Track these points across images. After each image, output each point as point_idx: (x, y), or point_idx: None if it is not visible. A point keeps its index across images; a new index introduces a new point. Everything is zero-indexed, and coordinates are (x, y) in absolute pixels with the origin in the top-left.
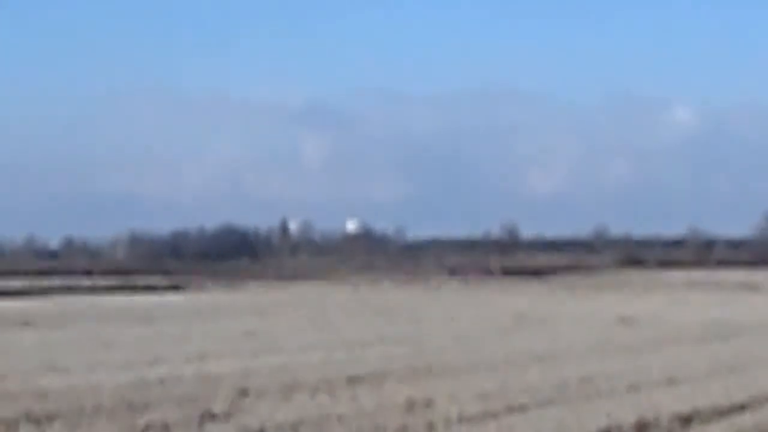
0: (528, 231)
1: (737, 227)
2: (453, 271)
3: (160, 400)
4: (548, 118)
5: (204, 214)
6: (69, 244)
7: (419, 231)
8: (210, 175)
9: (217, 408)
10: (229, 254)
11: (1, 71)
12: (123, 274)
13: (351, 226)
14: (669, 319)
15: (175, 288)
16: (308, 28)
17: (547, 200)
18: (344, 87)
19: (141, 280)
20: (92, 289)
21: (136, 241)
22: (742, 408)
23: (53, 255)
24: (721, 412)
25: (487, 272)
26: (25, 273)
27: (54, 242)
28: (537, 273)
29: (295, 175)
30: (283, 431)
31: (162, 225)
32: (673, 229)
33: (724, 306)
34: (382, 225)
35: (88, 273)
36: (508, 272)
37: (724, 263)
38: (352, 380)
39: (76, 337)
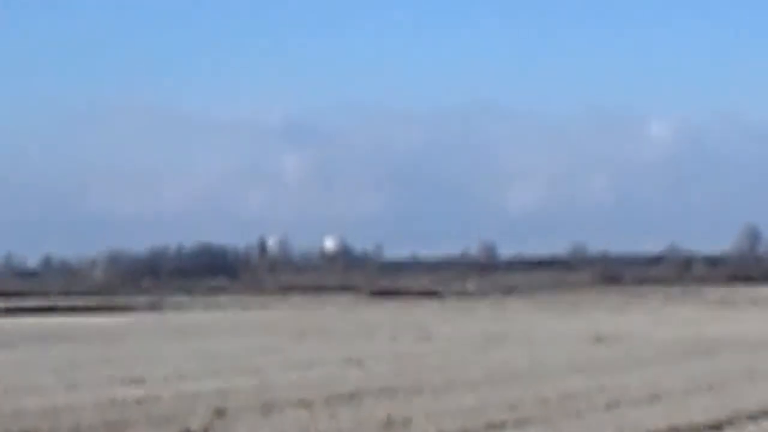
0: (506, 249)
1: (716, 244)
2: (431, 290)
3: (138, 420)
4: (528, 134)
5: (182, 232)
6: (47, 263)
7: (397, 249)
8: (189, 194)
9: (195, 427)
10: (207, 272)
11: None
12: (101, 294)
13: (329, 244)
14: (648, 337)
15: (153, 307)
16: (288, 46)
17: (526, 217)
18: (323, 104)
19: (119, 300)
20: (70, 309)
21: (114, 260)
22: (720, 425)
23: (32, 274)
24: (699, 429)
25: (465, 292)
26: (3, 293)
27: (32, 261)
28: (515, 291)
29: (273, 193)
30: None
31: (141, 243)
32: (652, 246)
33: (703, 323)
34: (361, 243)
35: (66, 293)
36: (486, 291)
37: (702, 280)
38: (331, 399)
39: (54, 358)
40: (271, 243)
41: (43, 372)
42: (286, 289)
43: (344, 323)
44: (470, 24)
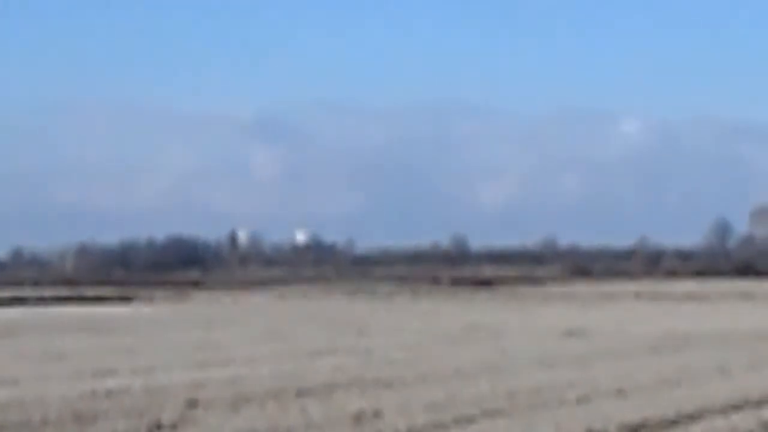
0: (477, 242)
1: (686, 238)
2: (401, 282)
3: (109, 412)
4: (498, 130)
5: (153, 225)
6: (17, 255)
7: (369, 243)
8: (159, 187)
9: (166, 420)
10: (178, 265)
11: None
12: (71, 285)
13: (300, 237)
14: (618, 331)
15: (123, 299)
16: (260, 40)
17: (496, 211)
18: (294, 99)
19: (89, 291)
20: (40, 300)
21: (84, 252)
22: (690, 419)
23: (1, 265)
24: (669, 423)
25: (436, 283)
26: None
27: (1, 252)
28: (485, 284)
29: (244, 187)
30: None
31: (111, 236)
32: (622, 240)
33: (673, 317)
34: (333, 236)
35: (36, 284)
36: (457, 283)
37: (673, 274)
38: (302, 392)
39: (23, 349)
40: (242, 236)
41: (11, 363)
42: (257, 282)
43: (315, 316)
44: (444, 21)
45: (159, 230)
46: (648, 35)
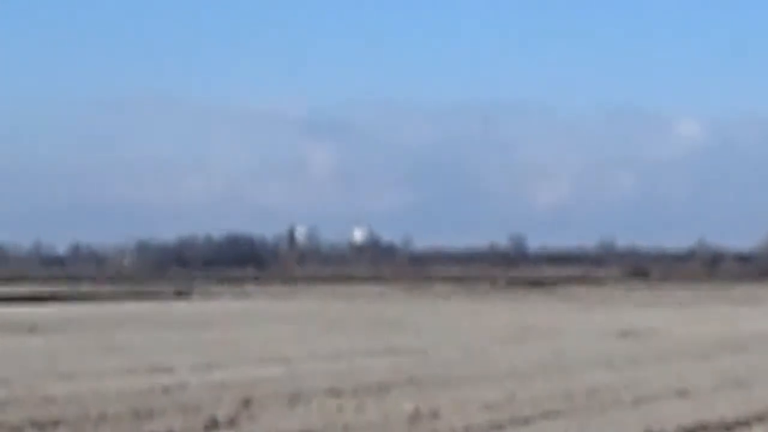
0: (534, 242)
1: (744, 241)
2: (458, 282)
3: (165, 408)
4: (554, 130)
5: (211, 222)
6: (76, 251)
7: (425, 241)
8: (217, 184)
9: (222, 416)
10: (235, 262)
11: (9, 78)
12: (129, 281)
13: (358, 235)
14: (675, 333)
15: (180, 295)
16: (314, 39)
17: (553, 212)
18: (350, 97)
19: (147, 288)
20: (98, 296)
21: (142, 249)
22: (747, 421)
23: (60, 261)
24: (726, 426)
25: (493, 283)
26: (32, 279)
27: (61, 248)
28: (542, 284)
29: (302, 184)
30: None
31: (169, 233)
32: (680, 242)
33: (731, 319)
34: (389, 234)
35: (94, 280)
36: (514, 283)
37: (731, 276)
38: (358, 390)
39: (81, 344)
40: (300, 233)
41: (70, 359)
42: (314, 280)
43: (372, 314)
44: (497, 20)
45: (216, 227)
46: (705, 34)
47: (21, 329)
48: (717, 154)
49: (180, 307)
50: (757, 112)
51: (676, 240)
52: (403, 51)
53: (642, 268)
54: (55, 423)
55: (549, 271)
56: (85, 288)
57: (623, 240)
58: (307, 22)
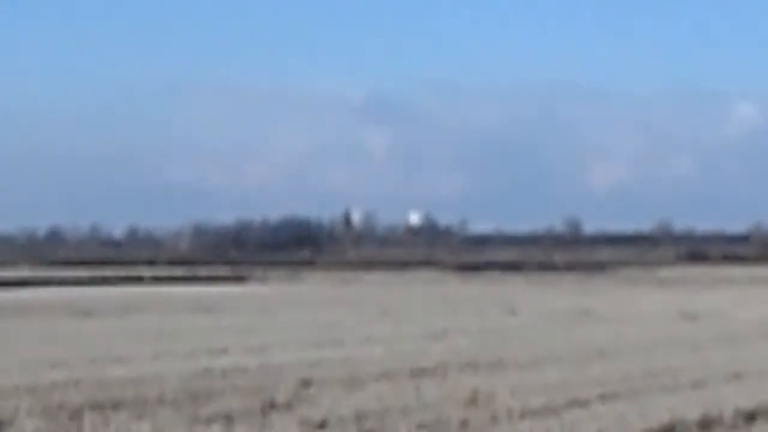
0: (590, 225)
1: None
2: (516, 265)
3: (223, 390)
4: (610, 112)
5: (267, 205)
6: (133, 234)
7: (481, 224)
8: (273, 167)
9: (280, 399)
10: (291, 245)
11: (68, 63)
12: (186, 265)
13: (414, 218)
14: (733, 315)
15: (237, 279)
16: (370, 21)
17: (610, 194)
18: (406, 80)
19: (204, 271)
20: (155, 279)
21: (199, 232)
22: None
23: (117, 244)
24: None
25: (551, 266)
26: (89, 263)
27: (118, 232)
28: (600, 267)
29: (357, 167)
30: (346, 423)
31: (225, 216)
32: (737, 224)
33: None
34: (445, 218)
35: (151, 263)
36: (571, 267)
37: None
38: (416, 372)
39: (139, 327)
40: (356, 216)
41: (128, 342)
42: (371, 263)
43: (428, 297)
44: (556, 1)
45: (273, 210)
46: (765, 16)
47: (78, 312)
48: None
49: (236, 290)
50: None
51: (733, 222)
52: (460, 32)
53: (698, 251)
54: (115, 405)
55: (605, 254)
56: (141, 271)
57: (680, 222)
58: (364, 5)
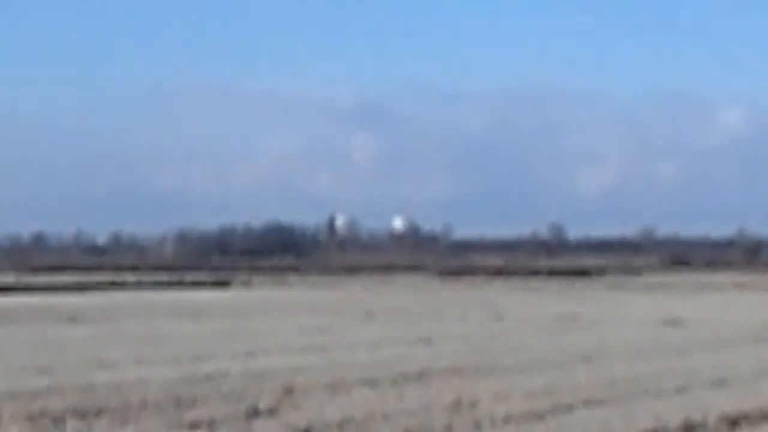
0: (575, 231)
1: None
2: (501, 270)
3: (207, 396)
4: (596, 117)
5: (251, 210)
6: (116, 240)
7: (466, 230)
8: (257, 172)
9: (264, 405)
10: (275, 251)
11: (52, 68)
12: (170, 270)
13: (398, 223)
14: (717, 321)
15: (221, 284)
16: (359, 26)
17: (595, 200)
18: (392, 85)
19: (188, 276)
20: (139, 285)
21: (183, 238)
22: None
23: (101, 250)
24: None
25: (533, 272)
26: (73, 268)
27: (101, 238)
28: (584, 273)
29: (342, 172)
30: (330, 429)
31: (210, 221)
32: (721, 230)
33: None
34: (429, 223)
35: (135, 269)
36: (554, 273)
37: None
38: (400, 378)
39: (123, 333)
40: (340, 222)
41: (111, 347)
42: (355, 268)
43: (413, 303)
44: (541, 5)
45: (257, 215)
46: (749, 23)
47: (62, 318)
48: (760, 143)
49: (220, 296)
50: None
51: (718, 228)
52: (447, 37)
53: (682, 257)
54: (98, 412)
55: (589, 260)
56: (125, 277)
57: (665, 228)
58: (353, 10)
